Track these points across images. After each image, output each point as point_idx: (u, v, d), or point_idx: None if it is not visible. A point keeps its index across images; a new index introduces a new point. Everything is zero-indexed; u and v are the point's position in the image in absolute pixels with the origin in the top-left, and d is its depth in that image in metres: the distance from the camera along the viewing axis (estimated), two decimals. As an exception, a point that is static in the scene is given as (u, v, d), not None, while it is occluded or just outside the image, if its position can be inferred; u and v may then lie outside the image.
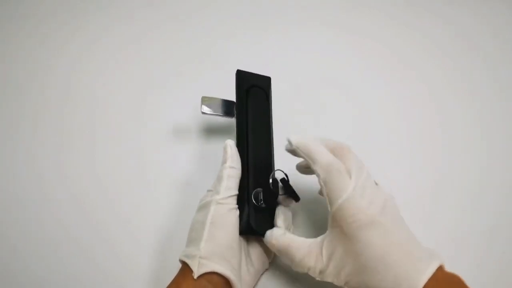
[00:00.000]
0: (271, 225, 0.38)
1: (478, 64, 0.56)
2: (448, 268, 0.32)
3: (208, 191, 0.38)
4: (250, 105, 0.43)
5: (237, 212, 0.37)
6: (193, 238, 0.36)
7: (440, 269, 0.31)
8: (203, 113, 0.45)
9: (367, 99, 0.53)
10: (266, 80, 0.46)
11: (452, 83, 0.54)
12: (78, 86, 0.55)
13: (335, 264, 0.33)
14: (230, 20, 0.60)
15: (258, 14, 0.61)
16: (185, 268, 0.34)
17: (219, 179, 0.38)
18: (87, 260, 0.43)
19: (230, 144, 0.40)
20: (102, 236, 0.44)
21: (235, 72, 0.45)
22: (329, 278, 0.34)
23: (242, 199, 0.38)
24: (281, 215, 0.38)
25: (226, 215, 0.36)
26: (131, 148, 0.50)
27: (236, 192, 0.37)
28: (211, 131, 0.51)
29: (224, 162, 0.39)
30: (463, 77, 0.55)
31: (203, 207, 0.37)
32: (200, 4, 0.62)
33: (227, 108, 0.46)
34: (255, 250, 0.39)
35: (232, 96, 0.45)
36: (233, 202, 0.37)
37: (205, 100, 0.45)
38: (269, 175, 0.39)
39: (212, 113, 0.45)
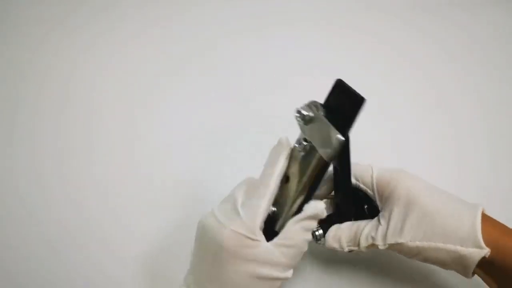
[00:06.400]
0: None
1: (486, 66, 0.57)
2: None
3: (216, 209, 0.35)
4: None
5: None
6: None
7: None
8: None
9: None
10: (360, 100, 0.36)
11: (459, 83, 0.56)
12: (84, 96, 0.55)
13: (395, 222, 0.35)
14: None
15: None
16: None
17: (254, 210, 0.32)
18: (85, 261, 0.44)
19: (278, 173, 0.33)
20: (100, 238, 0.45)
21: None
22: (393, 239, 0.35)
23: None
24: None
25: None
26: (132, 154, 0.50)
27: None
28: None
29: (262, 196, 0.32)
30: (467, 77, 0.56)
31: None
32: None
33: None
34: None
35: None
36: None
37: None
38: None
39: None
